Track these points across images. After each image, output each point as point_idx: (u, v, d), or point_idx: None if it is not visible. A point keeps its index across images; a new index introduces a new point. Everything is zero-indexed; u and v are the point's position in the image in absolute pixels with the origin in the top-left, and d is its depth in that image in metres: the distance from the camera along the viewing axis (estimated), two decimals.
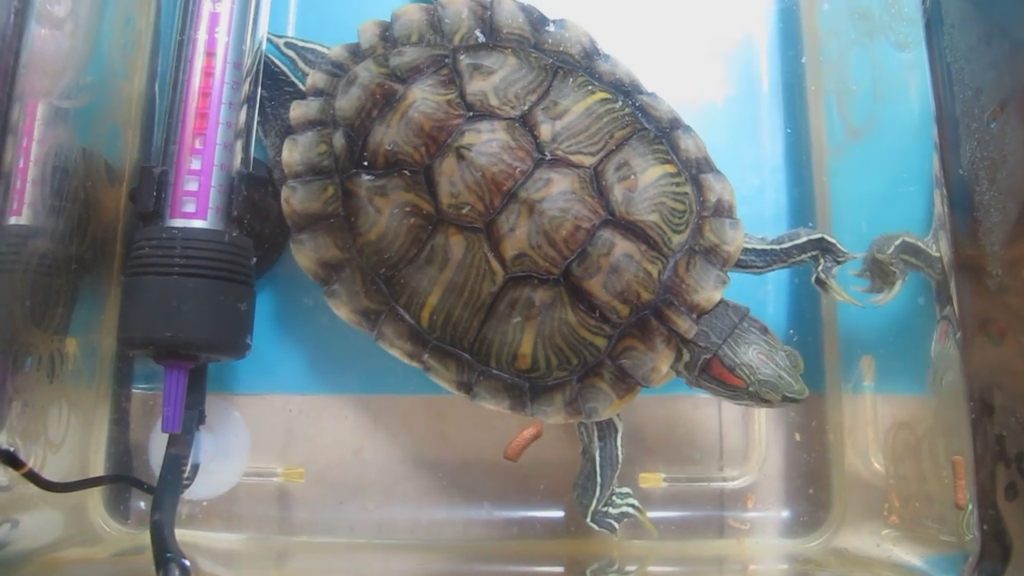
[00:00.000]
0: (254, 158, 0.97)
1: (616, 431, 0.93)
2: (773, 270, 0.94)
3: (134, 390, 1.02)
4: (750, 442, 1.02)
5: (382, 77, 0.91)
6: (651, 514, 0.99)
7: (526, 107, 0.88)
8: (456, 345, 0.88)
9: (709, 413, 1.04)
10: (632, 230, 0.84)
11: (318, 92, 0.95)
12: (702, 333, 0.84)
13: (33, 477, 0.81)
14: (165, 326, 0.86)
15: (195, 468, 0.95)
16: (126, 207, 1.00)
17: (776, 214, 1.07)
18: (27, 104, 0.87)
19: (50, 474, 0.85)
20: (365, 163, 0.89)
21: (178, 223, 0.89)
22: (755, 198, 1.07)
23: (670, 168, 0.88)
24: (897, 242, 0.92)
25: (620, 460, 0.93)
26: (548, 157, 0.85)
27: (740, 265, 0.91)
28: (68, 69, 0.92)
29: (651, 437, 1.03)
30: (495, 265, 0.84)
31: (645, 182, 0.86)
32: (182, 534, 0.87)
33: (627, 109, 0.90)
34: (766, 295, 1.04)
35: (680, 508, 1.02)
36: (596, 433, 0.92)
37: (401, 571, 1.01)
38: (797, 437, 1.02)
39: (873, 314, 0.97)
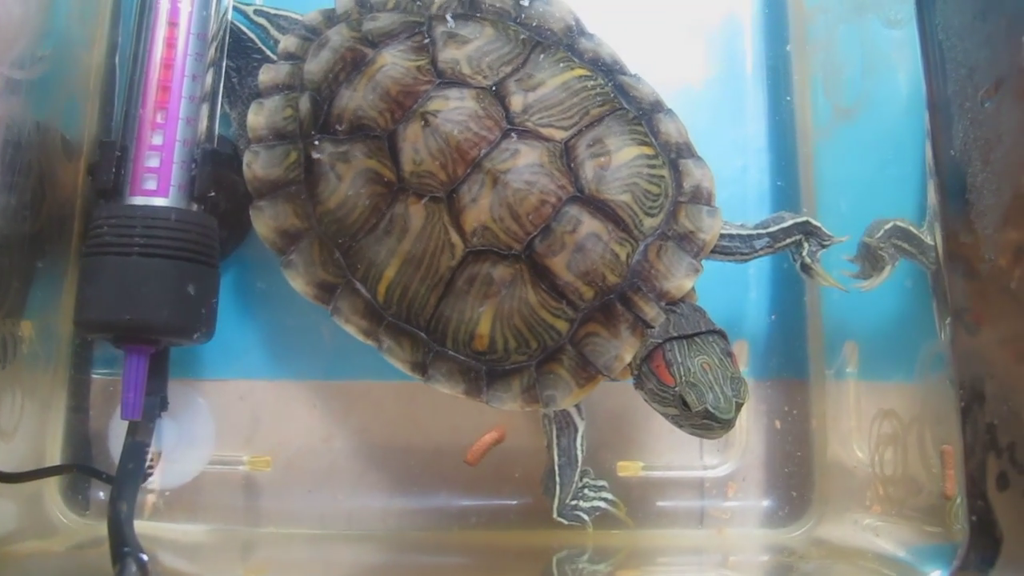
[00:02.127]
0: (219, 134, 0.93)
1: (576, 431, 0.89)
2: (759, 256, 0.90)
3: (93, 375, 0.98)
4: (731, 431, 0.99)
5: (353, 41, 0.88)
6: (629, 502, 0.97)
7: (499, 77, 0.85)
8: (412, 323, 0.84)
9: None
10: (601, 209, 0.80)
11: (289, 56, 0.93)
12: (661, 324, 0.80)
13: None
14: (124, 309, 0.82)
15: (157, 456, 0.91)
16: (84, 183, 0.96)
17: (759, 196, 1.04)
18: None
19: (3, 464, 0.81)
20: (329, 128, 0.86)
21: (139, 201, 0.86)
22: (738, 180, 1.04)
23: (647, 150, 0.85)
24: (888, 226, 0.90)
25: (580, 460, 0.90)
26: (517, 128, 0.82)
27: (725, 252, 0.88)
28: (20, 37, 0.88)
29: (629, 425, 1.00)
30: (455, 238, 0.81)
31: (619, 161, 0.82)
32: (143, 526, 0.84)
33: (607, 88, 0.87)
34: (748, 279, 1.02)
35: (659, 497, 0.99)
36: (555, 430, 0.89)
37: (371, 562, 0.98)
38: (777, 425, 1.00)
39: (858, 300, 0.94)
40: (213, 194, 0.89)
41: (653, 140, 0.86)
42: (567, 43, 0.90)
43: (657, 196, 0.83)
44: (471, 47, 0.86)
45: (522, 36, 0.89)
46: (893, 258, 0.90)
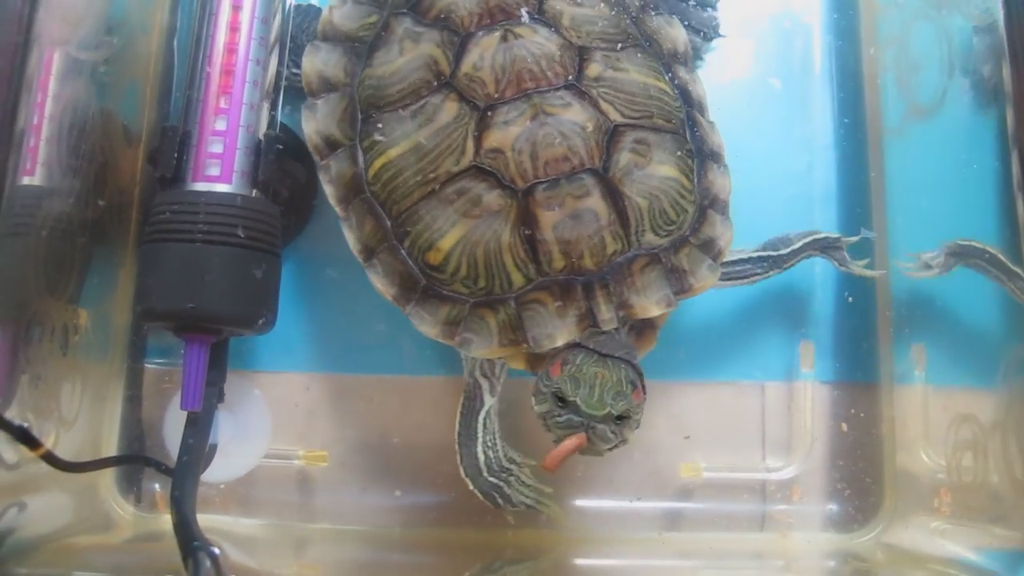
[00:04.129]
0: (281, 122, 0.91)
1: (482, 406, 0.88)
2: (767, 278, 0.90)
3: (148, 366, 0.97)
4: (795, 432, 0.98)
5: None
6: (690, 505, 0.96)
7: (590, 44, 0.85)
8: (385, 208, 0.83)
9: (751, 403, 0.99)
10: (614, 197, 0.79)
11: None
12: (586, 335, 0.79)
13: (50, 458, 0.75)
14: (187, 297, 0.80)
15: (213, 449, 0.89)
16: (143, 171, 0.95)
17: (826, 194, 1.02)
18: (44, 55, 0.81)
19: (62, 453, 0.79)
20: (418, 8, 0.87)
21: (201, 187, 0.83)
22: (803, 177, 1.02)
23: (685, 181, 0.84)
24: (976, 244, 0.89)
25: (480, 436, 0.88)
26: (581, 88, 0.82)
27: (733, 278, 0.88)
28: (87, 17, 0.87)
29: (691, 424, 0.98)
30: (469, 147, 0.80)
31: (653, 171, 0.82)
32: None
33: (680, 114, 0.86)
34: (814, 278, 1.00)
35: (721, 500, 0.97)
36: (462, 397, 0.88)
37: (427, 562, 0.96)
38: (843, 428, 0.98)
39: (928, 303, 0.94)
40: (275, 182, 0.87)
41: (695, 179, 0.85)
42: (666, 62, 0.89)
43: (671, 222, 0.82)
44: (580, 11, 0.87)
45: (630, 31, 0.88)
46: (948, 267, 0.90)
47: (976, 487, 0.86)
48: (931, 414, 0.94)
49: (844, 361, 1.00)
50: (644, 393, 0.79)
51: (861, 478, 0.97)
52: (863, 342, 1.00)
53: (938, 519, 0.91)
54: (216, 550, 0.72)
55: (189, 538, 0.73)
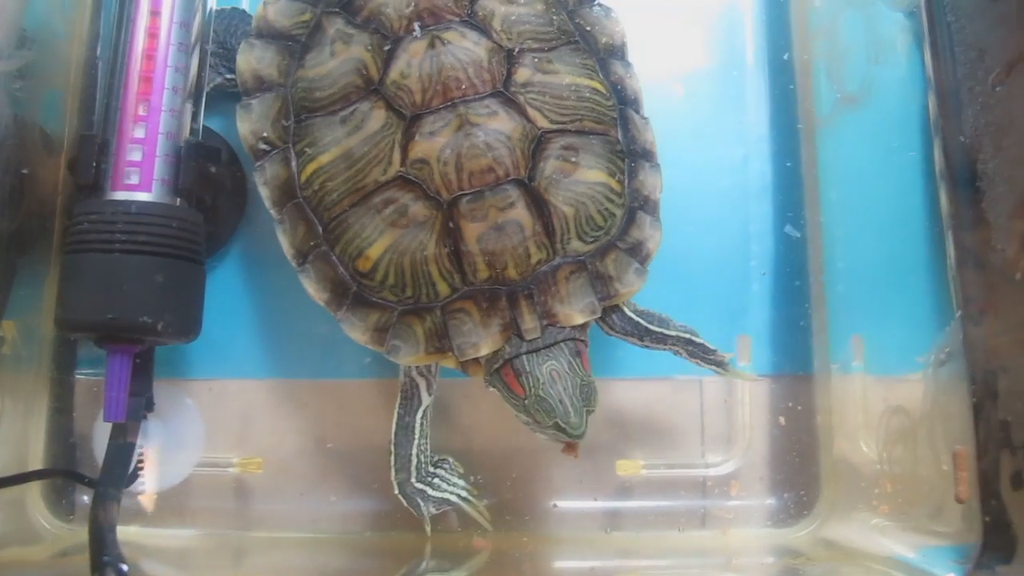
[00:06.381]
0: (205, 127, 0.90)
1: (419, 405, 0.88)
2: (632, 342, 0.88)
3: (77, 376, 0.96)
4: (733, 427, 0.98)
5: None
6: (629, 503, 0.95)
7: (521, 46, 0.84)
8: (317, 214, 0.83)
9: (689, 398, 0.98)
10: (539, 207, 0.79)
11: None
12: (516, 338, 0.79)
13: None
14: (106, 308, 0.79)
15: (143, 459, 0.89)
16: (65, 179, 0.93)
17: (761, 186, 1.01)
18: None
19: None
20: (350, 8, 0.86)
21: (120, 196, 0.83)
22: (739, 169, 1.02)
23: (614, 184, 0.83)
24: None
25: (417, 437, 0.88)
26: (509, 95, 0.81)
27: (612, 328, 0.87)
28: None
29: (629, 422, 0.98)
30: (396, 157, 0.80)
31: (582, 177, 0.82)
32: (129, 532, 0.82)
33: (612, 113, 0.86)
34: (750, 272, 1.00)
35: (660, 497, 0.97)
36: (399, 398, 0.88)
37: (366, 567, 0.95)
38: (781, 421, 0.97)
39: (864, 294, 0.93)
40: (199, 189, 0.86)
41: (625, 180, 0.85)
42: (601, 57, 0.88)
43: (598, 228, 0.82)
44: (513, 9, 0.86)
45: (565, 28, 0.87)
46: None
47: (906, 479, 0.86)
48: (870, 405, 0.94)
49: (782, 354, 0.99)
50: (586, 345, 0.81)
51: (799, 472, 0.97)
52: (800, 334, 0.99)
53: (877, 514, 0.91)
54: (125, 567, 0.72)
55: (100, 552, 0.73)
